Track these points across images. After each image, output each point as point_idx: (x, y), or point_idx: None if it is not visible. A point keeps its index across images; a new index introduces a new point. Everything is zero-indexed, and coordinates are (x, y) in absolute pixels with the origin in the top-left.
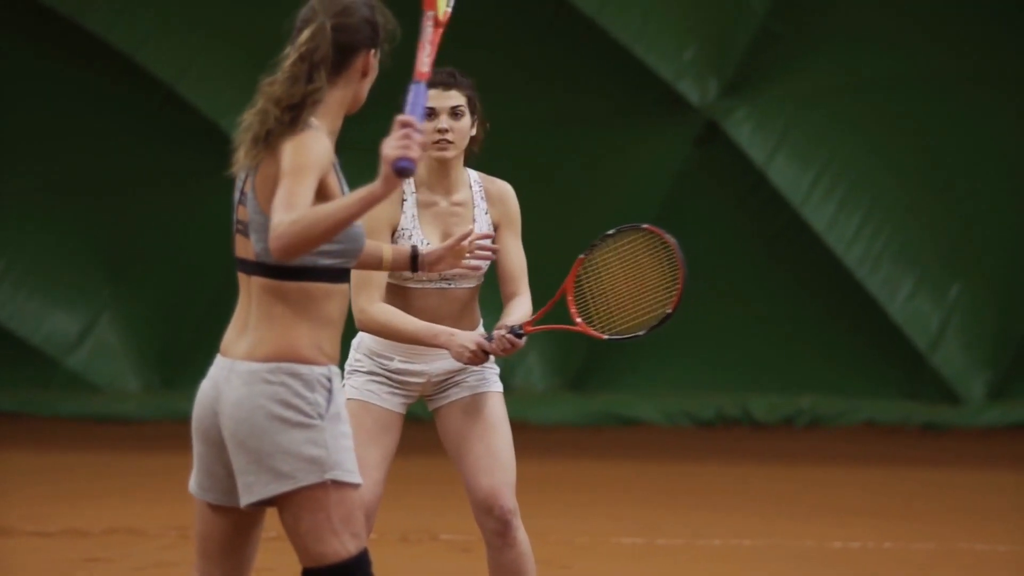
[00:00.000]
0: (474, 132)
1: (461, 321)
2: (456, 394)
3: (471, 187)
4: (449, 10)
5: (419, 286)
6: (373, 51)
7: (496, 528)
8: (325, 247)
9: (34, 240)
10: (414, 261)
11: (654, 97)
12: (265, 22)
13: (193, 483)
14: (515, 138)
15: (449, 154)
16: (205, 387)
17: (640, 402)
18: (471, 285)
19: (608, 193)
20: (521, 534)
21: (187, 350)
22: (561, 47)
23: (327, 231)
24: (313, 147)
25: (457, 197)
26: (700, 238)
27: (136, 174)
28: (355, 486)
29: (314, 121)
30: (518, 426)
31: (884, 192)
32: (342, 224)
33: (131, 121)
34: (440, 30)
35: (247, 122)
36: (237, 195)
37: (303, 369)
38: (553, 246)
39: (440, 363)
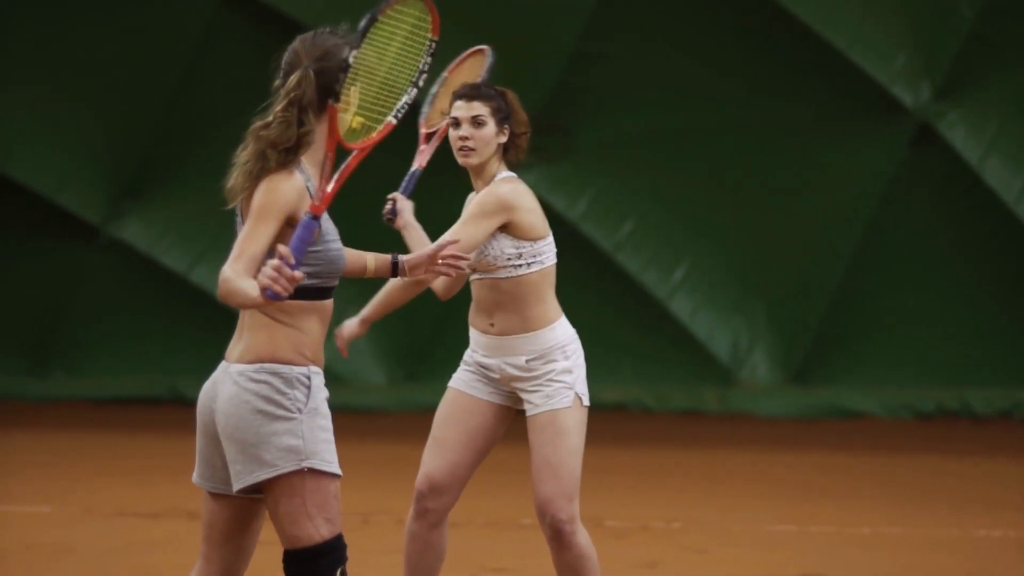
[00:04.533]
0: (502, 139)
1: (522, 311)
2: (528, 409)
3: None
4: (381, 129)
5: (474, 277)
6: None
7: (549, 533)
8: (303, 269)
9: None
10: (394, 268)
11: (868, 101)
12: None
13: (196, 474)
14: (732, 142)
15: (472, 160)
16: (206, 387)
17: (861, 395)
18: (500, 276)
19: (824, 195)
20: (578, 538)
21: (428, 344)
22: (777, 53)
23: (235, 304)
24: (281, 189)
25: None
26: (915, 237)
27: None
28: (332, 475)
29: (302, 160)
30: (743, 418)
31: None
32: (242, 305)
33: None
34: (363, 155)
35: (244, 161)
36: (237, 219)
37: (284, 369)
38: (772, 245)
39: (497, 360)
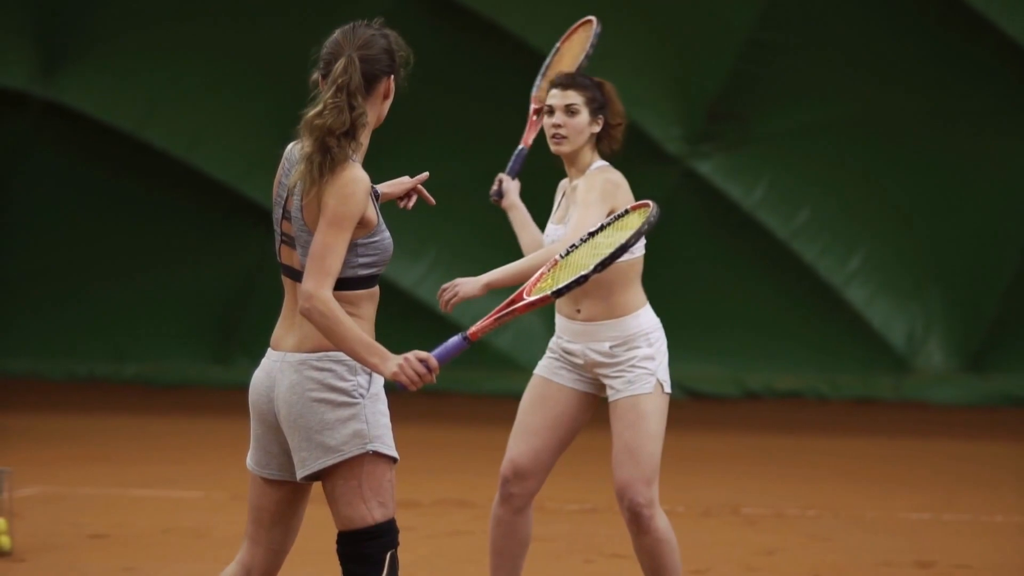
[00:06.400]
0: (596, 129)
1: (608, 298)
2: (610, 395)
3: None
4: (546, 295)
5: None
6: (392, 76)
7: (628, 517)
8: (363, 260)
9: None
10: (375, 197)
11: None
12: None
13: (251, 460)
14: (906, 132)
15: (564, 148)
16: (259, 377)
17: None
18: None
19: (999, 183)
20: (656, 522)
21: None
22: (951, 44)
23: (333, 341)
24: (357, 195)
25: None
26: None
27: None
28: (390, 460)
29: (355, 151)
30: (918, 406)
31: None
32: (345, 350)
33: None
34: (531, 308)
35: (307, 155)
36: (279, 212)
37: (347, 356)
38: (947, 233)
39: (581, 346)
